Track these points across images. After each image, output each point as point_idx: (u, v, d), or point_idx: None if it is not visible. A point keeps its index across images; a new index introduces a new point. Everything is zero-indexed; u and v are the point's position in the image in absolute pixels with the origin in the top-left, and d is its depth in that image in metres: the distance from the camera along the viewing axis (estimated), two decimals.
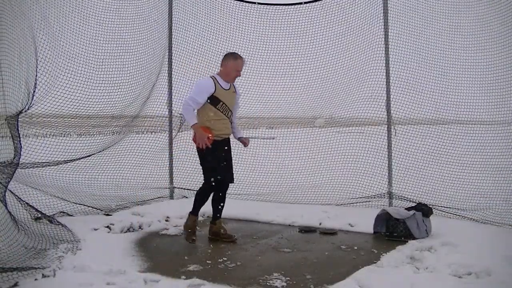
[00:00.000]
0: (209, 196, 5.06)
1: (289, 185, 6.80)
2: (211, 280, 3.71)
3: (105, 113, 6.22)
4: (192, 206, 5.14)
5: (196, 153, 5.00)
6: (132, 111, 6.48)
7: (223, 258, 4.32)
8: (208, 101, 4.81)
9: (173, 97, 7.10)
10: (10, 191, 4.73)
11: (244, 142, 5.23)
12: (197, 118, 4.83)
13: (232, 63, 4.93)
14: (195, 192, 5.17)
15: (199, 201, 5.09)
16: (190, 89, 4.80)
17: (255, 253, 4.61)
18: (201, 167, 4.97)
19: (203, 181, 4.96)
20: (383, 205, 6.02)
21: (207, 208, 6.24)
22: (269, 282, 3.71)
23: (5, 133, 4.48)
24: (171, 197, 7.11)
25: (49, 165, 5.52)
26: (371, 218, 5.27)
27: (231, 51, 5.22)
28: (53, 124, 6.07)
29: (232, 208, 6.23)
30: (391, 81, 6.16)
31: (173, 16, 7.01)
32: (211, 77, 4.93)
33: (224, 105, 4.88)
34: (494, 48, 5.75)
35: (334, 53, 6.71)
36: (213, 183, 4.87)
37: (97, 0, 6.00)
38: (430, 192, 5.97)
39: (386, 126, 6.21)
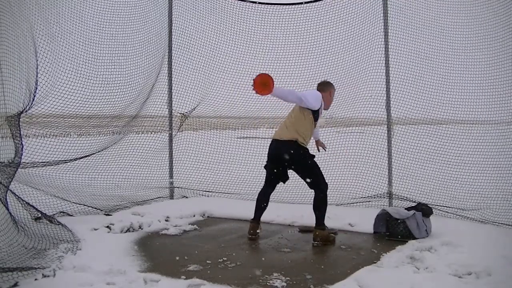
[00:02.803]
0: None
1: (289, 185, 6.79)
2: (211, 280, 3.71)
3: (105, 113, 6.22)
4: (318, 220, 4.95)
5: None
6: (132, 111, 6.48)
7: (223, 258, 4.32)
8: (312, 113, 5.00)
9: (173, 97, 7.11)
10: (11, 190, 4.73)
11: (322, 145, 5.63)
12: (294, 126, 4.97)
13: (334, 92, 5.27)
14: (313, 205, 4.98)
15: (324, 210, 4.99)
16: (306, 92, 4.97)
17: (255, 253, 4.62)
18: (306, 178, 4.98)
19: (319, 190, 4.94)
20: (383, 205, 6.02)
21: (207, 208, 6.27)
22: (269, 282, 3.71)
23: (6, 133, 4.48)
24: (171, 197, 7.12)
25: (49, 165, 5.53)
26: (371, 218, 5.27)
27: (328, 80, 5.38)
28: (53, 124, 6.07)
29: (232, 208, 6.26)
30: (391, 81, 6.16)
31: (173, 16, 7.02)
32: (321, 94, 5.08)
33: (316, 124, 5.12)
34: (494, 48, 5.75)
35: (334, 53, 6.70)
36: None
37: (97, 0, 6.00)
38: (430, 192, 5.97)
39: (386, 126, 6.21)
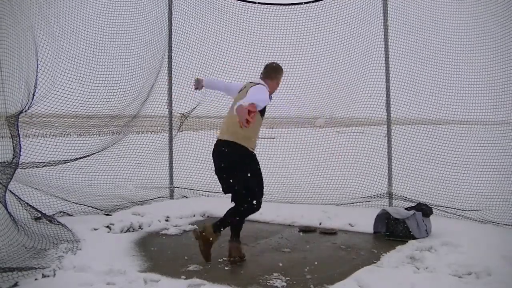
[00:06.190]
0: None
1: (289, 185, 6.80)
2: (211, 280, 3.71)
3: (105, 113, 6.22)
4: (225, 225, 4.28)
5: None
6: (132, 111, 6.48)
7: (223, 258, 4.32)
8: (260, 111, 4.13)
9: (173, 97, 7.10)
10: (10, 191, 4.73)
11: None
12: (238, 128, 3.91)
13: (281, 79, 4.39)
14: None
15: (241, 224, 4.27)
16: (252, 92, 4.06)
17: (255, 253, 4.61)
18: (236, 187, 4.19)
19: (243, 205, 4.15)
20: (383, 205, 6.02)
21: (206, 207, 6.26)
22: (269, 282, 3.71)
23: (5, 133, 4.48)
24: (171, 197, 7.11)
25: (49, 165, 5.52)
26: (371, 218, 5.27)
27: (277, 62, 4.48)
28: (53, 124, 6.07)
29: None
30: (391, 81, 6.17)
31: (173, 16, 7.02)
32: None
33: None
34: (493, 48, 5.75)
35: (334, 53, 6.71)
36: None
37: (97, 0, 6.00)
38: (430, 192, 5.97)
39: (386, 126, 6.22)
